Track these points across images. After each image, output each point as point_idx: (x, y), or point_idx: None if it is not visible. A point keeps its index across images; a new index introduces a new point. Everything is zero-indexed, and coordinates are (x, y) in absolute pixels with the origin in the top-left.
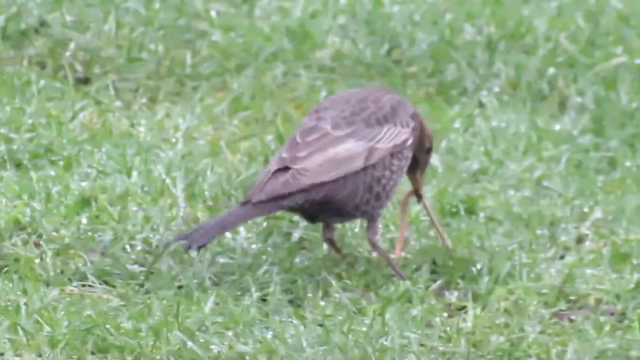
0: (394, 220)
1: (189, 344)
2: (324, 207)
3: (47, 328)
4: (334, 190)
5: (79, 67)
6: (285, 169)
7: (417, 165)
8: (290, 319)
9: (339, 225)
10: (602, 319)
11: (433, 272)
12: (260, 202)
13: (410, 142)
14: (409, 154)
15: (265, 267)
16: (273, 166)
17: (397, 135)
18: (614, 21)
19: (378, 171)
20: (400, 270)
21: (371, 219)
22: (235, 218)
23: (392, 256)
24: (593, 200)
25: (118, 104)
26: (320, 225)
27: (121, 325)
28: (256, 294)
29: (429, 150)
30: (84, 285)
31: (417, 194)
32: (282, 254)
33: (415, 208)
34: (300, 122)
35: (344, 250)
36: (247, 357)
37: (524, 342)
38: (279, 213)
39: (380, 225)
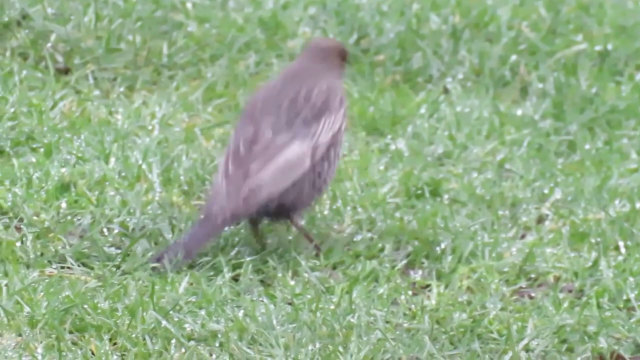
0: (362, 203)
1: (164, 322)
2: (276, 212)
3: (27, 308)
4: (285, 196)
5: (59, 58)
6: (238, 181)
7: None
8: (260, 298)
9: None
10: (560, 296)
11: (397, 249)
12: (225, 222)
13: (344, 126)
14: (342, 138)
15: (237, 249)
16: (223, 180)
17: (333, 123)
18: (574, 10)
19: (319, 166)
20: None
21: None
22: (203, 239)
23: None
24: (553, 182)
25: (97, 93)
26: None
27: (98, 305)
28: (228, 275)
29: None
30: (63, 267)
31: None
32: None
33: (382, 190)
34: (236, 127)
35: (314, 230)
36: (219, 335)
37: (486, 318)
38: None
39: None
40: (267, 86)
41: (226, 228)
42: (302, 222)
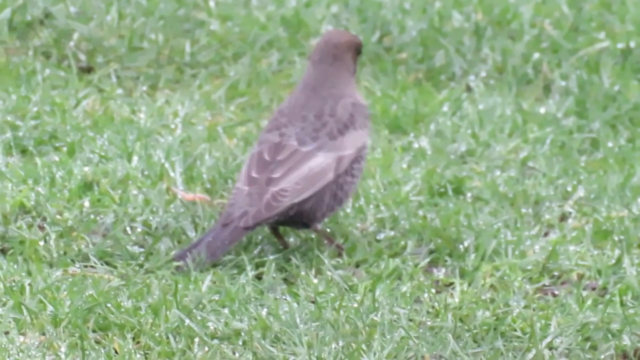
0: (385, 201)
1: (187, 321)
2: (294, 219)
3: (50, 307)
4: (305, 204)
5: (82, 57)
6: (261, 187)
7: None
8: (284, 297)
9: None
10: (584, 293)
11: (420, 247)
12: (247, 227)
13: (368, 143)
14: (366, 153)
15: (260, 247)
16: (246, 185)
17: (357, 139)
18: (597, 7)
19: (342, 178)
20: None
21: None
22: (226, 243)
23: None
24: (576, 179)
25: (120, 91)
26: None
27: (121, 304)
28: (251, 273)
29: None
30: (86, 266)
31: None
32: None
33: (405, 188)
34: (260, 137)
35: (337, 229)
36: (243, 334)
37: (509, 316)
38: None
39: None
40: (292, 96)
41: (248, 232)
42: (320, 227)
